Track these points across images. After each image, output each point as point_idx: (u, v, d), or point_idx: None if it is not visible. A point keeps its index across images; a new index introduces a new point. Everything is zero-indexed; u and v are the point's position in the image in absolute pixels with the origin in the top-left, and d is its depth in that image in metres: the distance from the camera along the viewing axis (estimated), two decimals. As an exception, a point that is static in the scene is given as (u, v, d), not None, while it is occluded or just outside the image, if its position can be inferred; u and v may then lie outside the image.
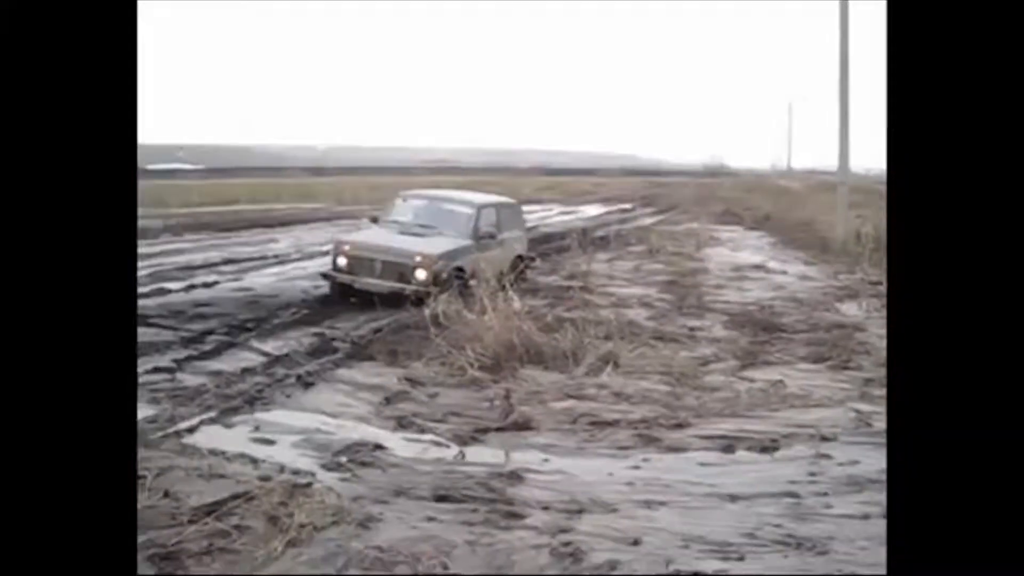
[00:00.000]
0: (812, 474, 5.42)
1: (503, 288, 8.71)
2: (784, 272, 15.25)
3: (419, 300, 9.39)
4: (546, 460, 5.59)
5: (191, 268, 13.00)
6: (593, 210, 30.11)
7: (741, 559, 4.22)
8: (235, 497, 4.55)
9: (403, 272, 10.24)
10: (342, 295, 10.55)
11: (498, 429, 6.16)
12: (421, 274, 10.16)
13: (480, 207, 11.60)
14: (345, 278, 10.45)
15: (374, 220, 11.84)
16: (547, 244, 16.89)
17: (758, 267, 15.88)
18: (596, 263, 14.14)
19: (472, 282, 9.38)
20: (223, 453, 5.25)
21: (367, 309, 9.98)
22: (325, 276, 10.82)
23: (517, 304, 8.53)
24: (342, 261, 10.56)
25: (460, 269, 10.45)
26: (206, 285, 11.58)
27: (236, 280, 12.18)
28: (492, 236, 11.39)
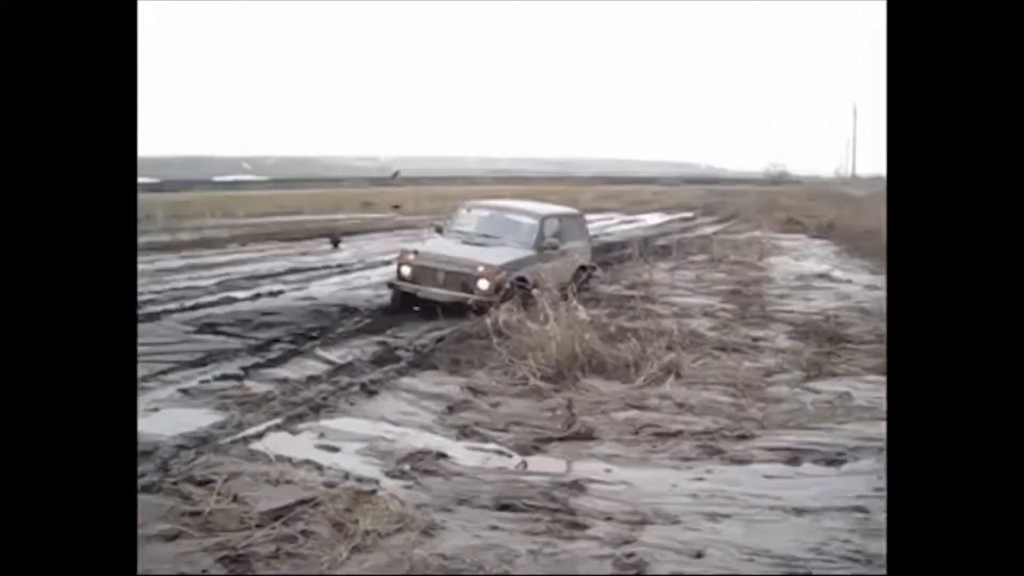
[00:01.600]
0: (880, 488, 5.22)
1: (565, 298, 8.61)
2: (849, 281, 14.93)
3: (481, 309, 9.34)
4: (608, 471, 5.50)
5: (257, 277, 13.16)
6: (654, 219, 29.76)
7: (808, 574, 4.15)
8: (301, 503, 4.57)
9: (466, 282, 10.27)
10: (405, 304, 10.60)
11: (560, 439, 6.09)
12: (484, 284, 10.17)
13: (543, 217, 11.62)
14: (408, 287, 10.53)
15: (438, 230, 11.89)
16: (608, 253, 16.66)
17: (823, 276, 15.56)
18: (658, 272, 13.95)
19: (535, 292, 9.29)
20: (289, 459, 5.26)
21: (430, 318, 9.95)
22: (390, 285, 10.91)
23: (581, 314, 8.43)
24: (406, 271, 10.61)
25: (522, 279, 10.40)
26: (272, 294, 11.70)
27: (300, 289, 12.27)
28: (555, 247, 11.35)
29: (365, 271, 14.36)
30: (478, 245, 10.94)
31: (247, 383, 7.21)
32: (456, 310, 9.97)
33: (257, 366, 7.82)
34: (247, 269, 14.00)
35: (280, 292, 11.97)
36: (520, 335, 8.26)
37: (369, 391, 7.19)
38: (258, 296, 11.49)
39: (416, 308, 10.52)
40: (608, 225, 25.73)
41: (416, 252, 10.70)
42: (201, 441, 5.68)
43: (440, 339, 9.12)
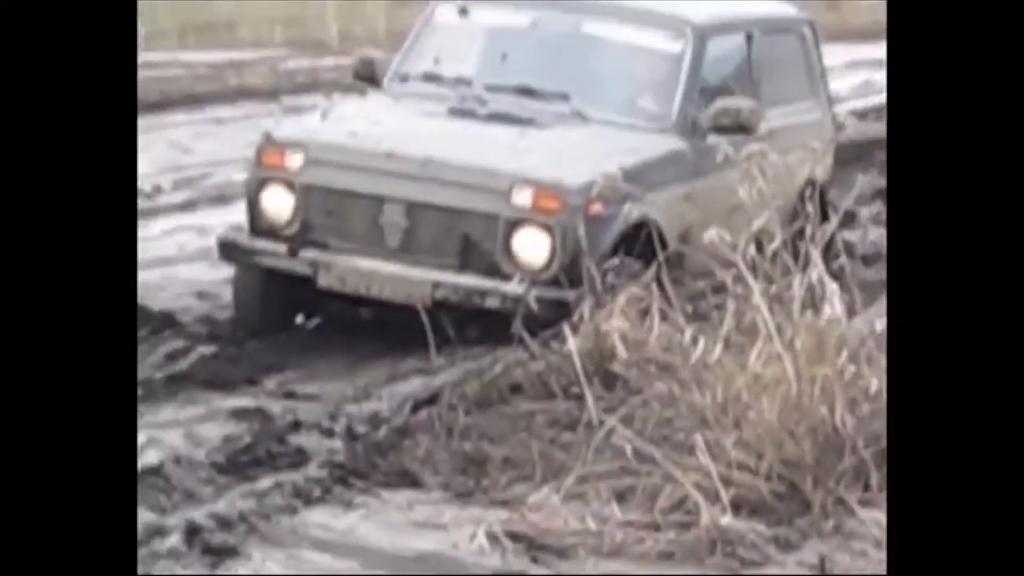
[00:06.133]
0: None
1: (805, 259, 3.93)
2: None
3: (541, 320, 4.30)
4: None
5: None
6: None
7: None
8: None
9: (477, 239, 4.70)
10: (279, 309, 5.13)
11: None
12: (535, 245, 4.61)
13: (705, 32, 5.30)
14: (287, 257, 4.81)
15: (366, 75, 5.48)
16: None
17: None
18: None
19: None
20: None
21: (395, 344, 4.81)
22: (230, 251, 5.09)
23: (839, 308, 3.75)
24: (280, 202, 4.86)
25: (642, 230, 4.73)
26: None
27: None
28: (744, 126, 4.99)
29: (194, 212, 7.68)
30: (504, 122, 5.01)
31: None
32: (463, 326, 4.70)
33: None
34: None
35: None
36: (670, 382, 3.90)
37: (212, 549, 3.48)
38: None
39: (303, 320, 5.18)
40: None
41: (306, 144, 4.91)
42: None
43: (427, 401, 4.36)
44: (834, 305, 3.75)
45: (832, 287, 3.78)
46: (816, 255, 3.77)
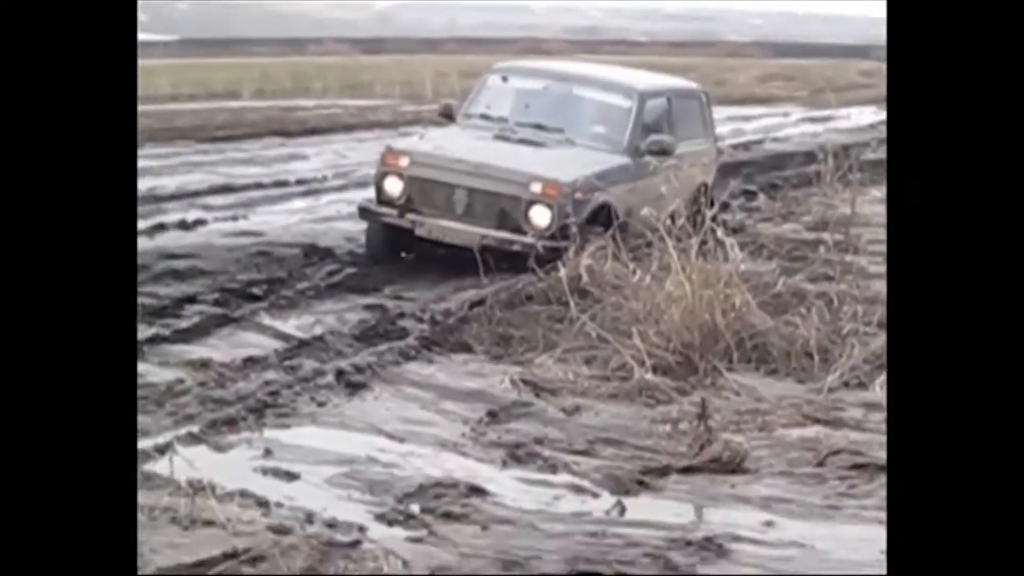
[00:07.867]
0: None
1: (699, 228, 6.42)
2: None
3: (544, 259, 7.05)
4: (769, 524, 4.55)
5: (159, 198, 10.76)
6: (864, 116, 22.64)
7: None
8: (229, 556, 3.96)
9: (508, 210, 7.53)
10: (390, 248, 8.10)
11: (685, 470, 4.95)
12: (542, 215, 7.41)
13: (644, 95, 8.38)
14: (397, 218, 7.73)
15: (446, 114, 8.68)
16: (777, 171, 13.62)
17: None
18: (866, 203, 10.65)
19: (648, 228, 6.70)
20: (212, 489, 4.43)
21: (458, 270, 7.68)
22: (364, 213, 8.09)
23: (728, 262, 6.26)
24: (394, 186, 7.68)
25: (604, 209, 7.64)
26: (184, 226, 9.66)
27: (235, 219, 10.20)
28: (665, 150, 7.97)
29: (346, 191, 11.59)
30: (526, 144, 7.93)
31: (142, 367, 5.79)
32: (498, 261, 7.48)
33: (158, 340, 6.33)
34: (143, 185, 10.95)
35: (199, 222, 9.96)
36: (618, 296, 6.47)
37: (351, 384, 5.72)
38: (160, 229, 9.47)
39: (406, 255, 8.12)
40: (781, 125, 19.98)
41: (410, 153, 7.85)
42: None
43: (477, 303, 7.08)
44: (735, 251, 6.32)
45: (730, 240, 6.48)
46: (710, 224, 6.48)
